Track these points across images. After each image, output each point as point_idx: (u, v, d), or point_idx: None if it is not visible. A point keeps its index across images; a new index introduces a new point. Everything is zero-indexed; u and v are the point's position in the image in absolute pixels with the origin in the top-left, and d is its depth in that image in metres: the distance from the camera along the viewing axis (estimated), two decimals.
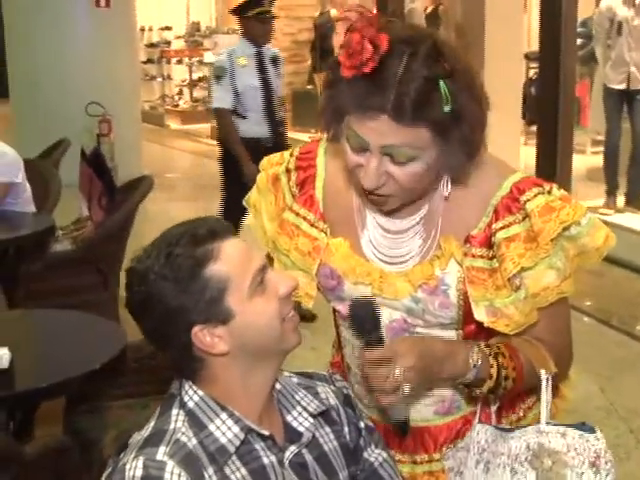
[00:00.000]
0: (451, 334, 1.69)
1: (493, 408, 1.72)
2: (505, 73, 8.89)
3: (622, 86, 7.65)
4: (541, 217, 1.59)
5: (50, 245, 5.02)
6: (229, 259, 1.44)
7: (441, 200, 1.65)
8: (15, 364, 2.78)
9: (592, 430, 1.59)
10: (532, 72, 10.34)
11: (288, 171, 1.78)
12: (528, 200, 1.61)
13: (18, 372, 2.80)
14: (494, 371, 1.60)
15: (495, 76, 8.77)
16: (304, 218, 1.74)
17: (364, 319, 1.54)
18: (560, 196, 1.63)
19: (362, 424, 1.62)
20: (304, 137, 10.45)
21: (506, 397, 1.70)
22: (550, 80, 7.25)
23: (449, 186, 1.64)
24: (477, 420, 1.70)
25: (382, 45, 1.46)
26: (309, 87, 12.56)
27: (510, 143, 8.63)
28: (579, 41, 8.60)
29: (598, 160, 8.49)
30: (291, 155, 1.80)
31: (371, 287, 1.68)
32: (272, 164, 1.81)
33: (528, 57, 9.92)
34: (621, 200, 7.80)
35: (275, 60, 5.82)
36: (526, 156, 8.53)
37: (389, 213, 1.67)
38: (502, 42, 8.79)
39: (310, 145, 1.82)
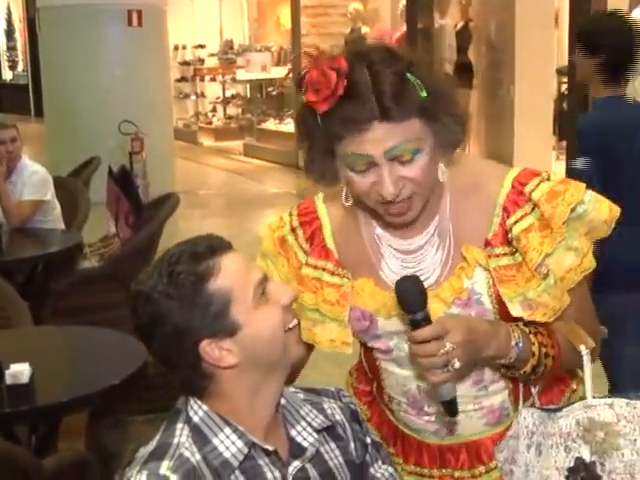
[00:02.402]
0: None
1: (535, 390, 1.73)
2: (537, 88, 8.88)
3: None
4: (549, 203, 1.63)
5: (78, 262, 5.08)
6: (230, 272, 1.46)
7: (447, 211, 1.68)
8: (36, 379, 2.81)
9: (637, 396, 1.61)
10: (564, 87, 10.29)
11: (293, 230, 1.79)
12: (532, 190, 1.65)
13: (39, 387, 2.82)
14: (535, 349, 1.62)
15: (527, 91, 8.79)
16: (323, 269, 1.75)
17: (411, 295, 1.55)
18: (559, 180, 1.67)
19: (369, 440, 1.62)
20: None
21: (547, 378, 1.71)
22: (579, 95, 7.21)
23: (449, 197, 1.69)
24: (521, 405, 1.71)
25: (342, 66, 1.52)
26: None
27: (542, 158, 8.60)
28: None
29: None
30: (290, 215, 1.82)
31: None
32: (274, 229, 1.82)
33: (560, 72, 9.87)
34: None
35: None
36: (558, 171, 8.48)
37: (402, 235, 1.70)
38: (533, 57, 8.78)
39: (305, 202, 1.84)
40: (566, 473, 1.57)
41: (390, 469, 1.62)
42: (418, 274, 1.66)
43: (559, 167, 8.52)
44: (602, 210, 1.66)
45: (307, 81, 1.54)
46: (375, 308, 1.70)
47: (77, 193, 5.84)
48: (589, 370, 1.64)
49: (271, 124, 14.27)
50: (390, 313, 1.69)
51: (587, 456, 1.57)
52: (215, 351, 1.44)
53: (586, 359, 1.64)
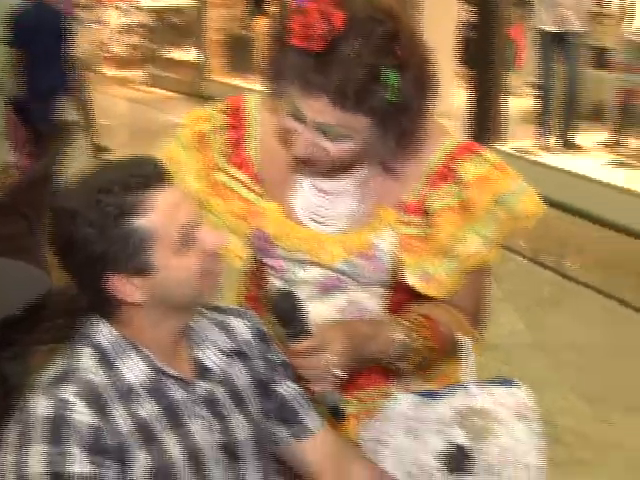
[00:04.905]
0: (380, 290, 1.70)
1: (411, 376, 1.73)
2: (441, 15, 8.91)
3: (555, 28, 7.68)
4: (476, 188, 1.60)
5: None
6: (159, 212, 1.38)
7: (376, 165, 1.65)
8: None
9: (515, 383, 1.64)
10: (467, 15, 10.31)
11: (219, 129, 1.72)
12: (463, 170, 1.62)
13: None
14: (418, 344, 1.62)
15: (432, 19, 8.81)
16: (238, 180, 1.71)
17: (287, 311, 1.55)
18: (495, 164, 1.63)
19: (275, 358, 1.63)
20: (242, 84, 10.37)
21: (426, 365, 1.72)
22: (484, 23, 7.27)
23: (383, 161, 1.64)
24: (396, 389, 1.72)
25: (336, 24, 1.44)
26: (244, 32, 12.35)
27: (444, 85, 8.64)
28: None
29: (532, 102, 8.56)
30: (218, 111, 1.74)
31: (306, 252, 1.68)
32: (196, 120, 1.75)
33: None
34: (553, 140, 7.90)
35: None
36: (459, 98, 8.56)
37: (324, 174, 1.67)
38: None
39: (237, 101, 1.76)
40: (441, 457, 1.60)
41: (297, 387, 1.62)
42: (329, 216, 1.66)
43: (461, 94, 8.61)
44: (529, 203, 1.64)
45: (302, 6, 1.45)
46: (278, 236, 1.69)
47: None
48: (469, 358, 1.65)
49: (175, 53, 14.03)
50: (291, 246, 1.68)
51: (463, 441, 1.59)
52: (125, 286, 1.40)
53: (467, 350, 1.65)
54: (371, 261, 1.65)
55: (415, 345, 1.62)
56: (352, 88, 1.44)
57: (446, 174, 1.62)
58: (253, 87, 8.44)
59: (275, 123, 1.66)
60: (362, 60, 1.44)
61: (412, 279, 1.64)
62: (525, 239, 5.79)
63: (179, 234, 1.40)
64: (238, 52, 12.02)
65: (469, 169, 1.61)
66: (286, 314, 1.55)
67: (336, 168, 1.63)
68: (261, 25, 11.27)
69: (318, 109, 1.49)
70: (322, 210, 1.68)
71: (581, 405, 3.85)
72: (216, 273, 1.48)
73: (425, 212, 1.63)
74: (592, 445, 3.54)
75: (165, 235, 1.39)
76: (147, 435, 1.39)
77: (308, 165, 1.62)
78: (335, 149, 1.54)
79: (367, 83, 1.45)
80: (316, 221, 1.68)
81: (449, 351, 1.69)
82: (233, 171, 1.72)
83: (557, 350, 4.33)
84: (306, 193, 1.69)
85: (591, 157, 7.59)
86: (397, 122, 1.51)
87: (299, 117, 1.53)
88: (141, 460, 1.37)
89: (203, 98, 11.43)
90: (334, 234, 1.66)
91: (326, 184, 1.67)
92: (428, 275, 1.63)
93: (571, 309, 4.92)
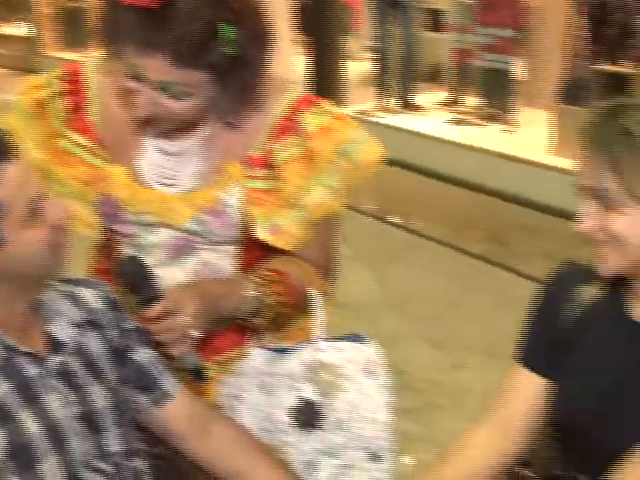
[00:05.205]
0: (231, 249, 1.71)
1: (265, 332, 1.75)
2: None
3: None
4: (318, 138, 1.63)
5: None
6: (8, 184, 1.35)
7: (219, 122, 1.65)
8: None
9: (364, 339, 1.68)
10: None
11: (57, 96, 1.69)
12: (305, 121, 1.64)
13: None
14: (270, 300, 1.64)
15: None
16: (81, 145, 1.69)
17: (134, 277, 1.54)
18: (335, 115, 1.67)
19: (128, 325, 1.61)
20: (77, 57, 10.07)
21: (281, 321, 1.74)
22: None
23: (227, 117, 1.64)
24: (251, 345, 1.74)
25: None
26: (74, 4, 11.94)
27: (284, 53, 8.67)
28: None
29: (371, 65, 8.69)
30: (56, 78, 1.71)
31: (153, 214, 1.67)
32: (33, 88, 1.71)
33: None
34: (393, 102, 8.06)
35: None
36: (298, 64, 8.61)
37: (167, 135, 1.66)
38: None
39: (74, 66, 1.74)
40: (291, 412, 1.63)
41: (152, 352, 1.62)
42: (176, 177, 1.66)
43: (299, 60, 8.65)
44: (370, 152, 1.68)
45: None
46: (124, 200, 1.67)
47: None
48: (320, 313, 1.67)
49: (6, 29, 13.51)
50: (139, 208, 1.67)
51: (312, 396, 1.63)
52: None
53: (316, 303, 1.68)
54: (220, 217, 1.66)
55: (268, 300, 1.64)
56: (189, 44, 1.45)
57: (289, 126, 1.65)
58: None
59: (115, 86, 1.64)
60: (197, 15, 1.44)
61: (261, 232, 1.66)
62: (371, 198, 5.91)
63: (27, 207, 1.37)
64: (71, 25, 11.66)
65: (311, 120, 1.64)
66: (133, 280, 1.55)
67: (180, 127, 1.63)
68: None
69: (157, 67, 1.48)
70: (168, 171, 1.68)
71: (432, 353, 3.99)
72: (64, 246, 1.46)
73: (271, 165, 1.65)
74: (445, 391, 3.68)
75: (14, 208, 1.36)
76: (2, 414, 1.36)
77: (151, 125, 1.61)
78: (178, 107, 1.54)
79: (203, 38, 1.45)
80: (163, 183, 1.68)
81: (301, 305, 1.72)
82: (75, 137, 1.69)
83: (407, 303, 4.46)
84: (151, 155, 1.68)
85: (431, 116, 7.80)
86: (237, 76, 1.53)
87: (139, 77, 1.52)
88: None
89: (37, 74, 11.07)
90: (182, 194, 1.66)
91: (170, 145, 1.67)
92: (277, 227, 1.66)
93: (417, 262, 5.07)
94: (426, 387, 3.67)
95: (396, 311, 4.29)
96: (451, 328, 4.24)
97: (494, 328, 4.13)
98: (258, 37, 1.54)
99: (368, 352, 1.66)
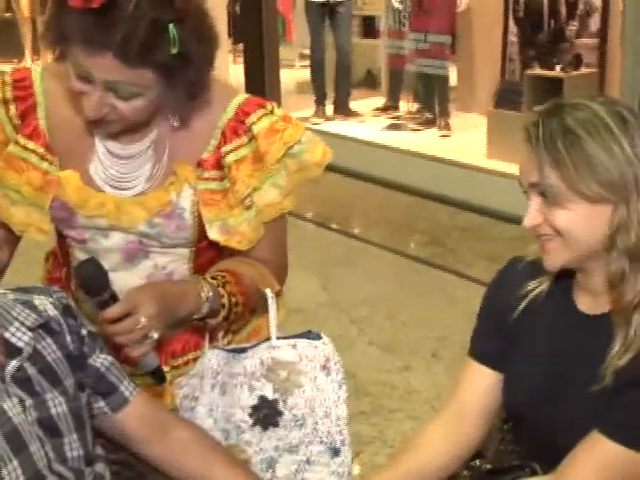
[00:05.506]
0: (185, 252, 1.73)
1: (221, 334, 1.77)
2: None
3: None
4: (266, 139, 1.67)
5: None
6: None
7: (169, 125, 1.67)
8: None
9: (319, 337, 1.71)
10: None
11: (5, 102, 1.70)
12: (253, 123, 1.67)
13: None
14: (225, 300, 1.66)
15: None
16: (32, 151, 1.68)
17: (92, 279, 1.54)
18: (282, 116, 1.70)
19: (84, 331, 1.61)
20: (7, 68, 9.93)
21: (235, 321, 1.76)
22: None
23: (177, 117, 1.66)
24: (207, 347, 1.75)
25: None
26: (7, 15, 11.78)
27: (218, 61, 8.64)
28: None
29: (306, 73, 8.75)
30: (3, 84, 1.71)
31: (106, 218, 1.67)
32: None
33: None
34: (330, 109, 8.11)
35: None
36: (235, 74, 8.61)
37: (117, 138, 1.67)
38: None
39: (22, 72, 1.74)
40: (250, 411, 1.66)
41: (109, 358, 1.62)
42: (127, 180, 1.67)
43: (236, 70, 8.65)
44: (316, 152, 1.73)
45: None
46: (77, 203, 1.68)
47: None
48: (274, 312, 1.71)
49: None
50: (91, 212, 1.67)
51: (270, 394, 1.66)
52: None
53: (271, 302, 1.71)
54: (172, 220, 1.68)
55: (223, 301, 1.65)
56: (134, 42, 1.47)
57: (237, 128, 1.68)
58: None
59: (63, 90, 1.65)
60: (141, 14, 1.46)
61: (214, 233, 1.68)
62: (311, 205, 5.94)
63: None
64: (2, 36, 11.49)
65: (259, 122, 1.68)
66: (91, 281, 1.55)
67: (130, 129, 1.64)
68: (24, 7, 10.85)
69: (104, 67, 1.49)
70: (119, 175, 1.69)
71: (381, 356, 4.01)
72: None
73: (222, 166, 1.68)
74: (394, 392, 3.70)
75: None
76: None
77: (101, 127, 1.62)
78: (126, 108, 1.55)
79: (149, 37, 1.47)
80: (114, 186, 1.69)
81: (255, 304, 1.74)
82: (24, 142, 1.69)
83: (353, 307, 4.48)
84: (102, 159, 1.68)
85: (368, 122, 7.86)
86: (183, 74, 1.55)
87: (87, 78, 1.53)
88: None
89: None
90: (134, 197, 1.67)
91: (121, 149, 1.68)
92: (229, 227, 1.68)
93: (361, 267, 5.11)
94: (376, 390, 3.69)
95: (343, 315, 4.32)
96: (397, 331, 4.27)
97: (438, 330, 4.18)
98: (202, 35, 1.57)
99: (322, 348, 1.69)
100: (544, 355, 1.57)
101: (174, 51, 1.49)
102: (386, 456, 3.08)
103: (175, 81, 1.55)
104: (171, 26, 1.48)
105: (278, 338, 1.69)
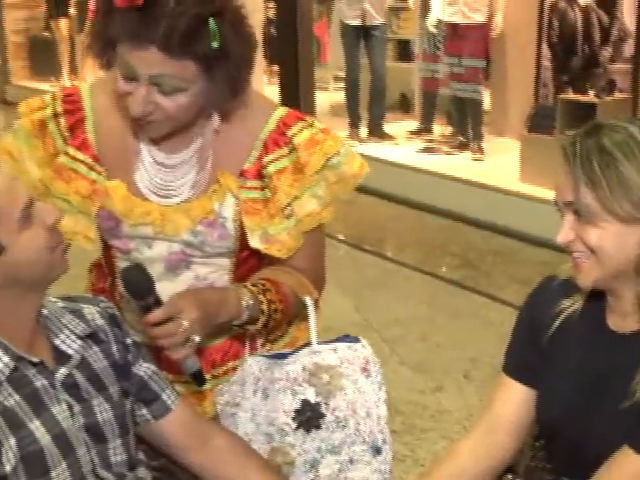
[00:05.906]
0: (225, 262, 1.78)
1: (259, 342, 1.82)
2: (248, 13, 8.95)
3: (357, 22, 7.92)
4: (307, 150, 1.72)
5: None
6: None
7: (212, 134, 1.72)
8: None
9: (357, 340, 1.75)
10: (271, 12, 10.46)
11: (56, 116, 1.76)
12: (294, 134, 1.72)
13: None
14: (265, 306, 1.70)
15: None
16: (81, 161, 1.75)
17: (137, 283, 1.59)
18: (321, 129, 1.75)
19: (129, 341, 1.66)
20: (45, 87, 10.07)
21: (275, 328, 1.81)
22: (287, 20, 7.39)
23: (218, 120, 1.71)
24: (247, 354, 1.79)
25: None
26: (46, 34, 11.95)
27: (253, 81, 8.70)
28: None
29: (340, 96, 8.80)
30: (54, 99, 1.78)
31: (151, 226, 1.73)
32: (33, 109, 1.79)
33: None
34: (364, 132, 8.15)
35: None
36: (270, 95, 8.65)
37: (163, 147, 1.72)
38: None
39: (71, 88, 1.83)
40: (293, 414, 1.70)
41: (152, 367, 1.67)
42: (171, 188, 1.73)
43: (272, 91, 8.73)
44: (354, 165, 1.77)
45: None
46: (123, 212, 1.73)
47: None
48: (314, 318, 1.75)
49: None
50: (137, 221, 1.73)
51: (312, 397, 1.70)
52: None
53: (310, 309, 1.76)
54: (215, 228, 1.73)
55: (263, 308, 1.70)
56: (177, 35, 1.53)
57: (279, 139, 1.73)
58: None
59: (110, 104, 1.73)
60: (183, 8, 1.53)
61: (255, 241, 1.73)
62: (345, 227, 5.97)
63: (20, 211, 1.43)
64: (40, 55, 11.67)
65: (300, 134, 1.73)
66: (137, 286, 1.59)
67: (175, 134, 1.70)
68: (62, 27, 11.02)
69: (149, 61, 1.55)
70: (164, 183, 1.74)
71: (411, 376, 4.03)
72: (61, 246, 1.52)
73: (263, 176, 1.73)
74: (425, 412, 3.72)
75: (7, 214, 1.41)
76: (14, 423, 1.41)
77: (147, 131, 1.68)
78: (171, 104, 1.61)
79: (190, 29, 1.53)
80: (160, 195, 1.74)
81: (294, 312, 1.79)
82: (74, 153, 1.76)
83: (385, 327, 4.50)
84: (148, 168, 1.74)
85: (402, 145, 7.88)
86: (223, 68, 1.60)
87: (132, 75, 1.58)
88: (13, 447, 1.39)
89: (6, 104, 11.07)
90: (178, 205, 1.73)
91: (166, 158, 1.74)
92: (269, 236, 1.73)
93: (394, 289, 5.13)
94: (408, 409, 3.71)
95: (375, 335, 4.33)
96: (429, 351, 4.29)
97: (470, 351, 4.19)
98: (240, 32, 1.62)
99: (362, 351, 1.74)
100: (577, 371, 1.60)
101: (215, 44, 1.55)
102: (417, 475, 3.09)
103: (216, 76, 1.60)
104: (211, 20, 1.54)
105: (318, 343, 1.73)
